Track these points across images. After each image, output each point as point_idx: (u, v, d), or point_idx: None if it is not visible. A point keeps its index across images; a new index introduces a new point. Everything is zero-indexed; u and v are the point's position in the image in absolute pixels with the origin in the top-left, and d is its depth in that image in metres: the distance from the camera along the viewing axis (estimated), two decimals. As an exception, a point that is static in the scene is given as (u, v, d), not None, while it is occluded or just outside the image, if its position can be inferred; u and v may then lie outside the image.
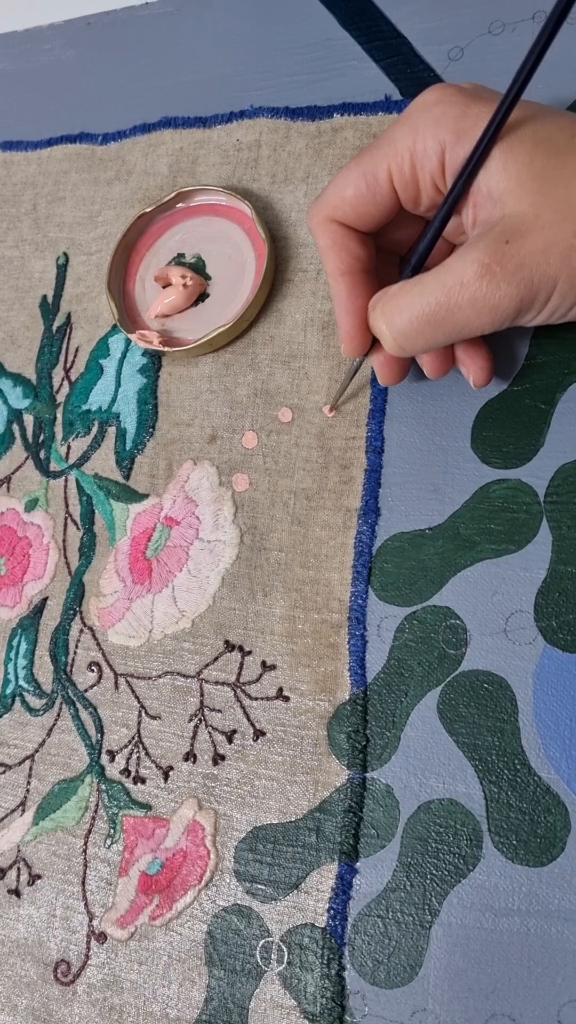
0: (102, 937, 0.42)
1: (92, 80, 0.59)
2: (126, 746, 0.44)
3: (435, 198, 0.37)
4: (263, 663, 0.43)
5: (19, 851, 0.45)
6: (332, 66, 0.52)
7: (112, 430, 0.49)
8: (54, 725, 0.46)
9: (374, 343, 0.40)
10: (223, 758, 0.42)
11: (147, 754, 0.44)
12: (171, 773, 0.43)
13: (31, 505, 0.50)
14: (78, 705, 0.46)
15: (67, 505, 0.49)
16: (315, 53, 0.52)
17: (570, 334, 0.41)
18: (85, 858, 0.44)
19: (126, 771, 0.44)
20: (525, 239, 0.32)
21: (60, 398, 0.51)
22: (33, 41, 0.62)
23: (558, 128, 0.33)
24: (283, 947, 0.39)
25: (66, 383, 0.51)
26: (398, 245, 0.41)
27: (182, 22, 0.57)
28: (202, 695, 0.44)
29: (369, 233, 0.39)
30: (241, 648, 0.43)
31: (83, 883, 0.43)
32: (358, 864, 0.39)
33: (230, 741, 0.42)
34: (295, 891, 0.39)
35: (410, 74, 0.49)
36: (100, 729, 0.45)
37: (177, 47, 0.57)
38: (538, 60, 0.33)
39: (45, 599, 0.49)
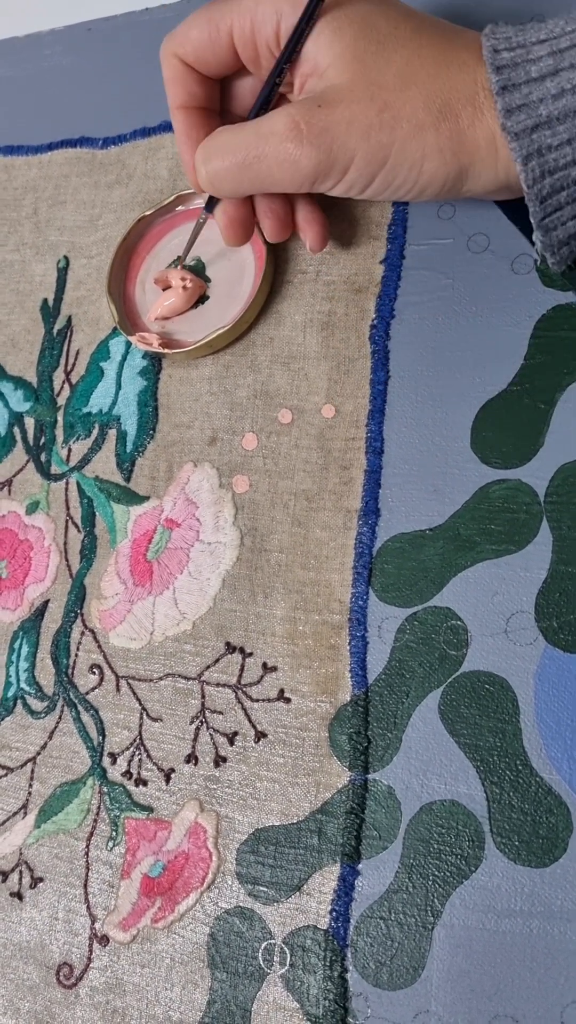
0: (104, 940, 0.42)
1: (92, 85, 0.59)
2: (128, 748, 0.44)
3: (271, 63, 0.39)
4: (264, 665, 0.43)
5: (21, 854, 0.45)
6: (331, 69, 0.52)
7: (113, 432, 0.49)
8: (56, 728, 0.46)
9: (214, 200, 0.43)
10: (225, 760, 0.42)
11: (149, 756, 0.44)
12: (173, 775, 0.43)
13: (32, 508, 0.50)
14: (79, 708, 0.46)
15: (68, 508, 0.49)
16: (314, 56, 0.52)
17: (570, 334, 0.41)
18: (87, 861, 0.44)
19: (128, 773, 0.44)
20: (334, 108, 0.35)
21: (61, 401, 0.51)
22: (34, 47, 0.62)
23: (384, 17, 0.36)
24: (285, 949, 0.39)
25: (67, 386, 0.52)
26: (245, 107, 0.43)
27: (181, 26, 0.57)
28: (203, 697, 0.44)
29: (213, 80, 0.42)
30: (242, 650, 0.43)
31: (85, 886, 0.43)
32: (360, 866, 0.39)
33: (231, 743, 0.42)
34: (297, 893, 0.39)
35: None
36: (102, 731, 0.45)
37: (177, 51, 0.57)
38: None
39: (46, 602, 0.49)
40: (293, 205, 0.43)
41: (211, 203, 0.44)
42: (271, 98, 0.40)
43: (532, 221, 0.36)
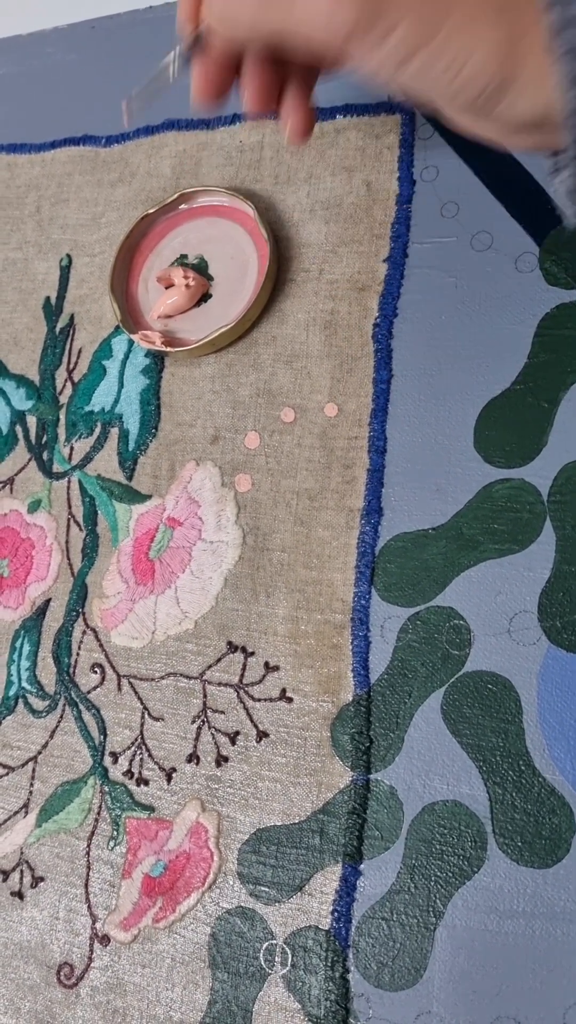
0: (105, 940, 0.42)
1: (95, 83, 0.59)
2: (129, 748, 0.44)
3: None
4: (266, 664, 0.43)
5: (22, 853, 0.45)
6: (335, 67, 0.51)
7: (115, 431, 0.49)
8: (57, 727, 0.46)
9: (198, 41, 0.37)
10: (226, 760, 0.42)
11: (150, 756, 0.44)
12: (174, 775, 0.43)
13: (34, 506, 0.50)
14: (81, 707, 0.46)
15: (70, 506, 0.49)
16: (318, 54, 0.52)
17: (574, 332, 0.41)
18: (88, 860, 0.43)
19: (129, 773, 0.44)
20: None
21: (63, 399, 0.51)
22: (37, 45, 0.62)
23: None
24: (287, 949, 0.39)
25: (69, 384, 0.51)
26: None
27: (185, 24, 0.57)
28: (205, 696, 0.43)
29: None
30: (244, 649, 0.43)
31: (86, 885, 0.43)
32: (362, 866, 0.39)
33: (233, 743, 0.42)
34: (299, 893, 0.39)
35: (413, 74, 0.49)
36: (103, 731, 0.45)
37: (180, 49, 0.57)
38: None
39: (48, 600, 0.48)
40: (284, 83, 0.39)
41: (194, 45, 0.38)
42: None
43: (569, 153, 0.33)
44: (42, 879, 0.44)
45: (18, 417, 0.52)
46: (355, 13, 0.31)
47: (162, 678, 0.45)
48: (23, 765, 0.46)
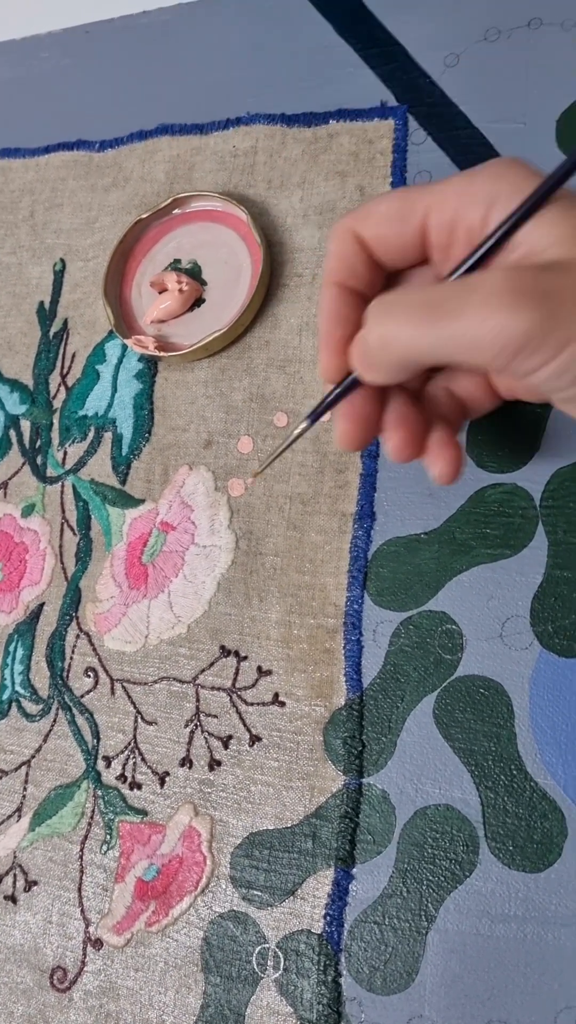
0: (98, 943, 0.42)
1: (90, 88, 0.59)
2: (122, 752, 0.44)
3: (464, 252, 0.33)
4: (259, 668, 0.43)
5: (15, 857, 0.45)
6: (328, 73, 0.52)
7: (108, 435, 0.49)
8: (50, 731, 0.46)
9: (354, 383, 0.35)
10: (219, 764, 0.42)
11: (143, 760, 0.44)
12: (167, 779, 0.43)
13: (28, 510, 0.50)
14: (74, 711, 0.46)
15: (63, 510, 0.49)
16: (311, 60, 0.52)
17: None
18: (81, 864, 0.43)
19: (122, 777, 0.44)
20: (564, 273, 0.29)
21: (57, 403, 0.51)
22: (31, 49, 0.62)
23: None
24: (279, 953, 0.39)
25: (63, 388, 0.51)
26: None
27: (179, 30, 0.57)
28: (198, 700, 0.44)
29: (383, 269, 0.36)
30: (237, 653, 0.43)
31: (79, 889, 0.43)
32: (354, 870, 0.39)
33: (226, 747, 0.42)
34: (291, 897, 0.39)
35: (406, 80, 0.49)
36: (96, 735, 0.45)
37: (174, 55, 0.57)
38: None
39: (41, 604, 0.48)
40: (428, 423, 0.36)
41: (318, 412, 0.36)
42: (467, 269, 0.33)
43: None
44: (35, 883, 0.44)
45: (12, 421, 0.52)
46: (526, 324, 0.28)
47: (155, 682, 0.45)
48: (16, 769, 0.46)
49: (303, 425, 0.36)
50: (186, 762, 0.43)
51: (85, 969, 0.42)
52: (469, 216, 0.32)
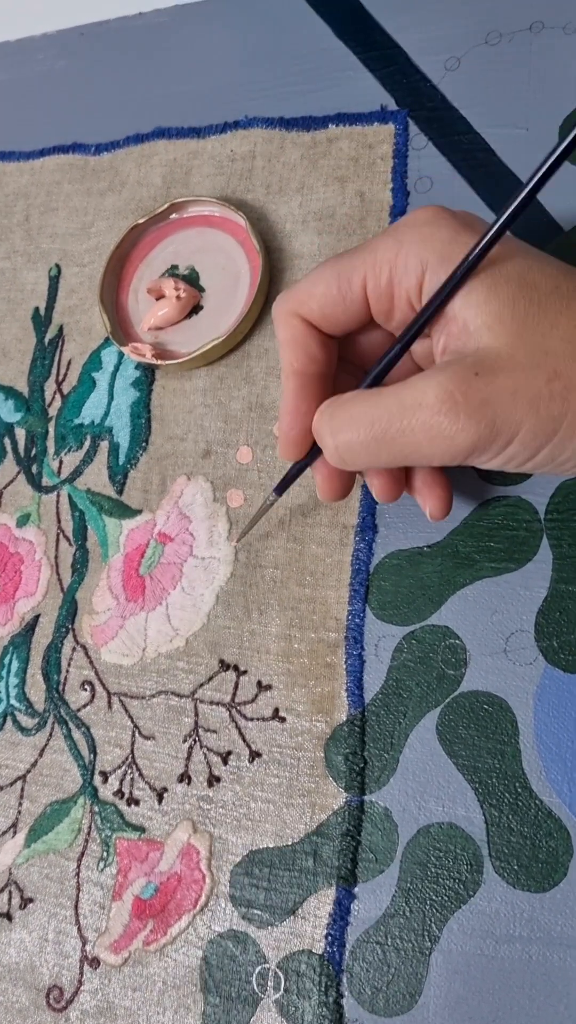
0: (95, 962, 0.41)
1: (85, 90, 0.58)
2: (119, 767, 0.44)
3: (407, 316, 0.35)
4: (259, 683, 0.42)
5: (11, 874, 0.44)
6: (327, 76, 0.51)
7: (105, 444, 0.49)
8: (46, 745, 0.46)
9: (317, 452, 0.37)
10: (218, 780, 0.42)
11: (141, 775, 0.43)
12: (165, 795, 0.42)
13: (23, 520, 0.50)
14: (71, 725, 0.45)
15: (59, 521, 0.49)
16: (310, 63, 0.52)
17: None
18: (78, 881, 0.43)
19: (119, 792, 0.43)
20: (496, 376, 0.31)
21: (52, 412, 0.51)
22: (26, 51, 0.61)
23: (544, 275, 0.32)
24: (280, 974, 0.38)
25: (58, 396, 0.51)
26: (365, 359, 0.39)
27: (176, 32, 0.57)
28: (197, 715, 0.43)
29: (334, 337, 0.37)
30: (236, 667, 0.43)
31: (76, 907, 0.42)
32: (356, 889, 0.38)
33: (225, 762, 0.42)
34: (292, 917, 0.39)
35: (406, 84, 0.49)
36: (93, 749, 0.44)
37: (171, 57, 0.56)
38: (530, 197, 0.31)
39: (37, 616, 0.48)
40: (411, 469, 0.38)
41: (284, 485, 0.39)
42: (400, 356, 0.35)
43: None
44: (31, 900, 0.43)
45: (7, 430, 0.52)
46: (471, 437, 0.31)
47: (153, 696, 0.44)
48: (11, 784, 0.46)
49: (271, 498, 0.39)
50: (184, 778, 0.42)
51: (82, 988, 0.41)
52: (405, 283, 0.34)
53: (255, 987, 0.38)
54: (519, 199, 0.31)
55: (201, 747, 0.42)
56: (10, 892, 0.44)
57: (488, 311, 0.31)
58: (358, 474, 0.39)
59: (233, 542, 0.44)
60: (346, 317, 0.36)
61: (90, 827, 0.43)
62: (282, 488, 0.39)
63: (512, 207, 0.32)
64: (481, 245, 0.31)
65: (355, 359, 0.39)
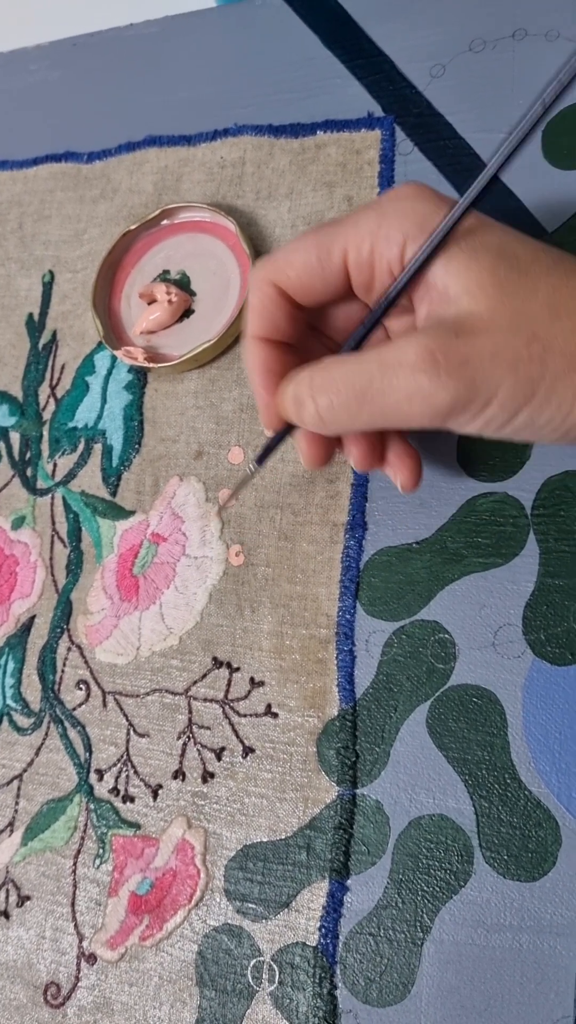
0: (92, 958, 0.42)
1: (77, 100, 0.59)
2: (115, 765, 0.44)
3: (388, 286, 0.35)
4: (251, 679, 0.43)
5: (8, 872, 0.45)
6: (315, 84, 0.52)
7: (98, 447, 0.49)
8: (42, 744, 0.46)
9: (284, 437, 0.38)
10: (212, 776, 0.42)
11: (136, 772, 0.43)
12: (160, 791, 0.43)
13: (18, 523, 0.50)
14: (66, 724, 0.46)
15: (54, 522, 0.49)
16: (298, 71, 0.53)
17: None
18: (74, 879, 0.43)
19: (115, 790, 0.44)
20: (476, 337, 0.31)
21: (46, 415, 0.51)
22: (19, 61, 0.62)
23: (522, 246, 0.33)
24: (274, 966, 0.39)
25: (52, 400, 0.51)
26: (338, 332, 0.39)
27: (166, 42, 0.58)
28: (190, 712, 0.43)
29: (305, 310, 0.38)
30: (229, 665, 0.43)
31: (72, 904, 0.43)
32: (349, 881, 0.39)
33: (219, 758, 0.42)
34: (286, 910, 0.39)
35: (392, 91, 0.50)
36: (88, 748, 0.45)
37: (161, 67, 0.57)
38: (506, 162, 0.33)
39: (32, 617, 0.48)
40: (385, 436, 0.39)
41: (265, 455, 0.39)
42: (383, 316, 0.35)
43: None
44: (28, 898, 0.44)
45: (1, 434, 0.52)
46: (450, 396, 0.31)
47: (147, 694, 0.44)
48: (8, 783, 0.46)
49: (253, 468, 0.39)
50: (179, 774, 0.43)
51: (79, 984, 0.42)
52: (386, 254, 0.34)
53: (250, 980, 0.39)
54: (496, 164, 0.33)
55: (195, 744, 0.43)
56: (7, 890, 0.44)
57: (469, 277, 0.32)
58: (337, 449, 0.39)
59: (215, 513, 0.45)
60: (323, 287, 0.36)
61: (86, 824, 0.44)
62: (262, 458, 0.39)
63: (496, 157, 0.33)
64: (468, 196, 0.32)
65: (329, 331, 0.40)
